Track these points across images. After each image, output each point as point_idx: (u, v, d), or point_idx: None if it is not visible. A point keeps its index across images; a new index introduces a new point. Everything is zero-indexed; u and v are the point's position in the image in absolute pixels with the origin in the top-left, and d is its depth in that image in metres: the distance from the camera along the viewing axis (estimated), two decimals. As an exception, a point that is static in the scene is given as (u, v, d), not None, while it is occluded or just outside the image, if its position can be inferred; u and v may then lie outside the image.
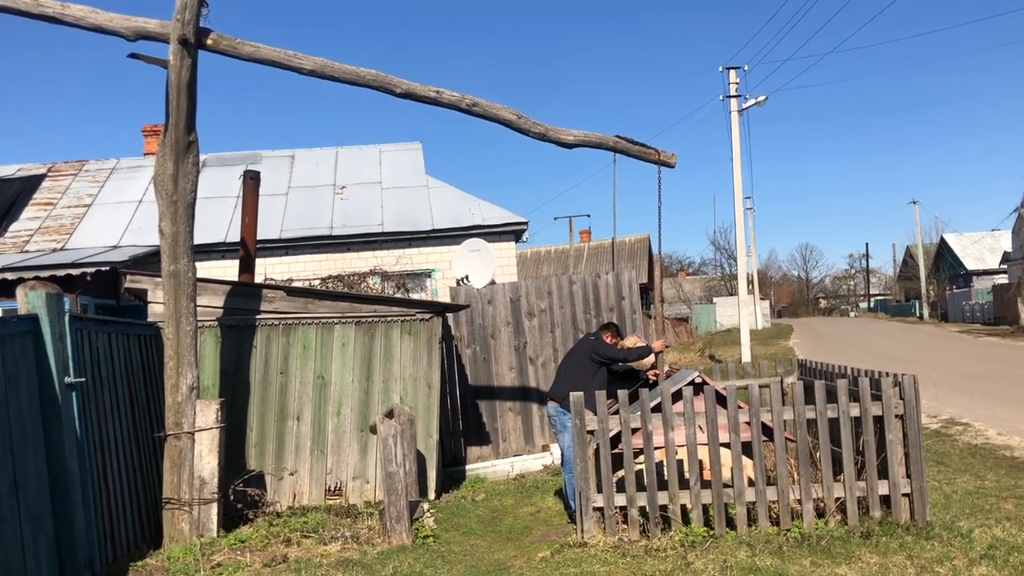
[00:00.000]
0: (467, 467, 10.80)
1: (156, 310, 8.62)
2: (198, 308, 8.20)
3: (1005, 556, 5.92)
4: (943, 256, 66.73)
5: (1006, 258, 51.58)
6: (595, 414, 6.85)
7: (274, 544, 7.27)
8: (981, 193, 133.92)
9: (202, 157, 20.97)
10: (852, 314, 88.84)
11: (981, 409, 13.46)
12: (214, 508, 7.58)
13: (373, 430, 7.72)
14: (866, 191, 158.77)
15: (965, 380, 17.72)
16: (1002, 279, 51.93)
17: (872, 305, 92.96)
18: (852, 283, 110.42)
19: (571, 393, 6.97)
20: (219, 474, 7.67)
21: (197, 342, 7.88)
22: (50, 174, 19.33)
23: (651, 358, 8.66)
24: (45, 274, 12.51)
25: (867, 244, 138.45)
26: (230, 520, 7.95)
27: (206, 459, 7.63)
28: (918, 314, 64.69)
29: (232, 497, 7.97)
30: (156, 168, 7.59)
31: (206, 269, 15.42)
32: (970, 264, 61.39)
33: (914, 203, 66.81)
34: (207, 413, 7.68)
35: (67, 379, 6.17)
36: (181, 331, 7.61)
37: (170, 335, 7.61)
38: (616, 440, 6.91)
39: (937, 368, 20.22)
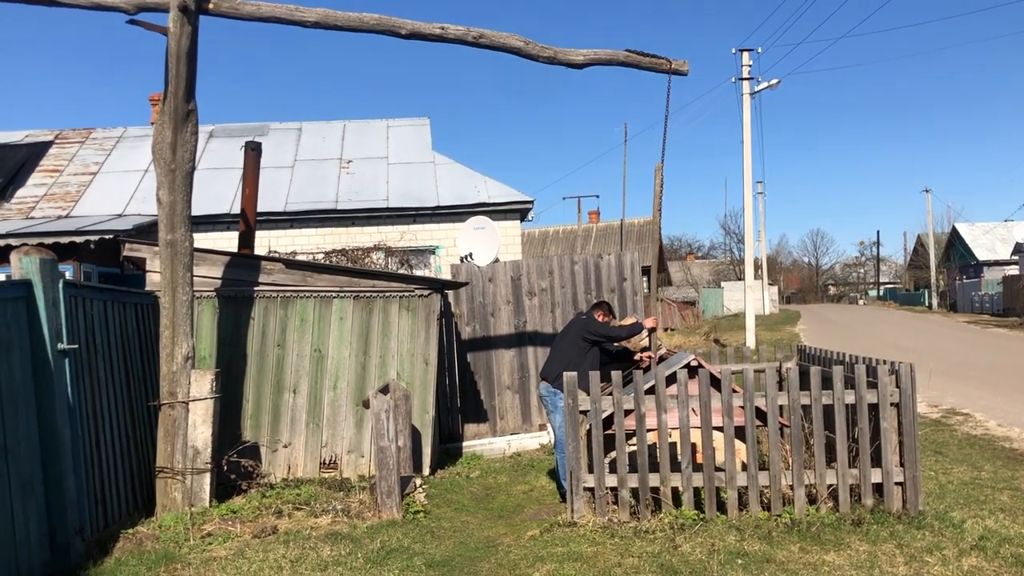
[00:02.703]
0: (463, 444, 10.81)
1: (154, 279, 8.61)
2: (196, 278, 8.19)
3: (996, 547, 5.88)
4: (954, 246, 66.32)
5: (1018, 249, 51.24)
6: (588, 394, 6.82)
7: (265, 515, 7.29)
8: (995, 183, 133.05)
9: (208, 128, 20.95)
10: (861, 302, 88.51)
11: (983, 400, 13.39)
12: (207, 478, 7.60)
13: (366, 405, 7.72)
14: (878, 178, 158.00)
15: (969, 370, 17.63)
16: (1013, 270, 51.60)
17: (881, 293, 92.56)
18: (862, 271, 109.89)
19: (564, 373, 6.94)
20: (213, 444, 7.68)
21: (194, 312, 7.87)
22: (57, 141, 19.32)
23: (644, 338, 8.62)
24: (49, 241, 12.53)
25: (878, 232, 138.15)
26: (223, 490, 7.97)
27: (200, 429, 7.64)
28: (927, 303, 64.39)
29: (226, 468, 7.98)
30: (154, 136, 7.56)
31: (210, 240, 15.42)
32: (981, 254, 60.99)
33: (926, 191, 66.36)
34: (202, 383, 7.68)
35: (60, 345, 6.16)
36: (177, 300, 7.60)
37: (166, 304, 7.60)
38: (608, 421, 6.88)
39: (942, 357, 20.12)
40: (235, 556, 6.22)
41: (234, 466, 8.02)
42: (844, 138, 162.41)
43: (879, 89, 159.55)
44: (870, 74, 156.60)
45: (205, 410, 7.67)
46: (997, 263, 58.14)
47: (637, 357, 8.58)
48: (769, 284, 62.58)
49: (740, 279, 62.88)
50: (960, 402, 13.17)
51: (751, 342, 24.38)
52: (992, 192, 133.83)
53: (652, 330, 8.28)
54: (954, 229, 67.43)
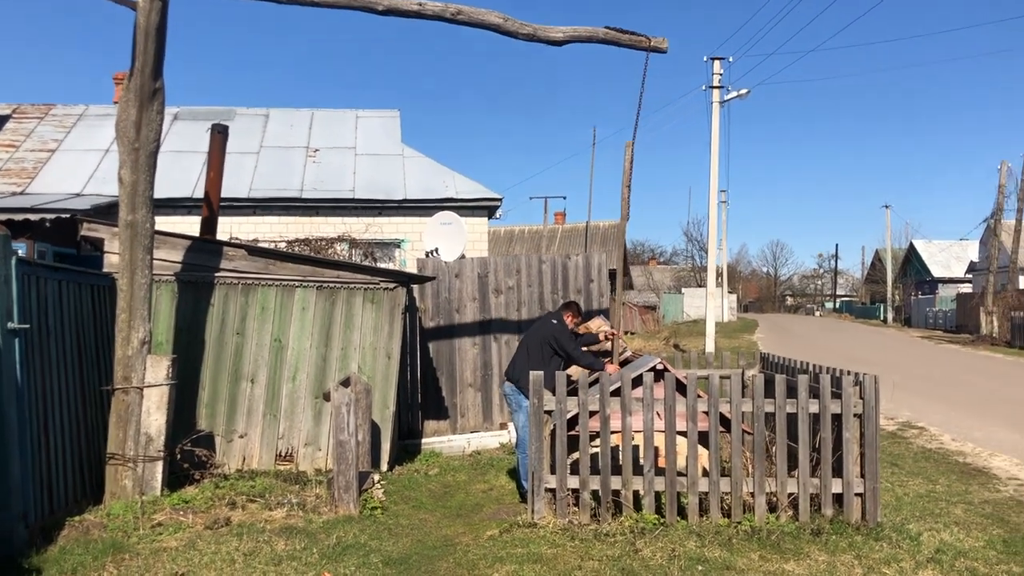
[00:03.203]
0: (423, 441, 10.68)
1: (112, 260, 8.37)
2: (156, 262, 7.98)
3: (951, 561, 5.92)
4: (911, 262, 67.48)
5: (972, 268, 52.29)
6: (553, 395, 6.75)
7: (218, 506, 7.12)
8: (953, 202, 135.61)
9: (173, 110, 20.58)
10: (817, 313, 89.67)
11: (937, 414, 13.57)
12: (159, 466, 7.41)
13: (327, 397, 7.57)
14: (839, 192, 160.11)
15: (923, 384, 17.88)
16: (966, 288, 52.67)
17: (838, 306, 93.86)
18: (819, 283, 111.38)
19: (531, 373, 6.86)
20: (166, 432, 7.49)
21: (152, 296, 7.67)
22: (15, 116, 18.83)
23: (605, 345, 8.57)
24: (2, 217, 12.17)
25: (837, 245, 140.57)
26: (175, 480, 7.78)
27: (154, 416, 7.44)
28: (882, 317, 65.41)
29: (179, 456, 7.79)
30: (119, 114, 7.34)
31: (171, 224, 15.09)
32: (936, 271, 62.14)
33: (886, 207, 67.33)
34: (158, 369, 7.48)
35: (10, 324, 5.95)
36: (135, 283, 7.39)
37: (124, 287, 7.39)
38: (572, 422, 6.82)
39: (897, 371, 20.39)
40: (186, 547, 6.05)
41: (188, 455, 7.83)
42: (808, 151, 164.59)
43: (845, 104, 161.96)
44: (837, 89, 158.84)
45: (160, 397, 7.47)
46: (951, 280, 59.32)
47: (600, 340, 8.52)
48: (728, 292, 63.18)
49: (701, 286, 63.45)
50: (915, 415, 13.33)
51: (711, 348, 24.53)
52: (949, 211, 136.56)
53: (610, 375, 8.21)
54: (911, 245, 68.61)
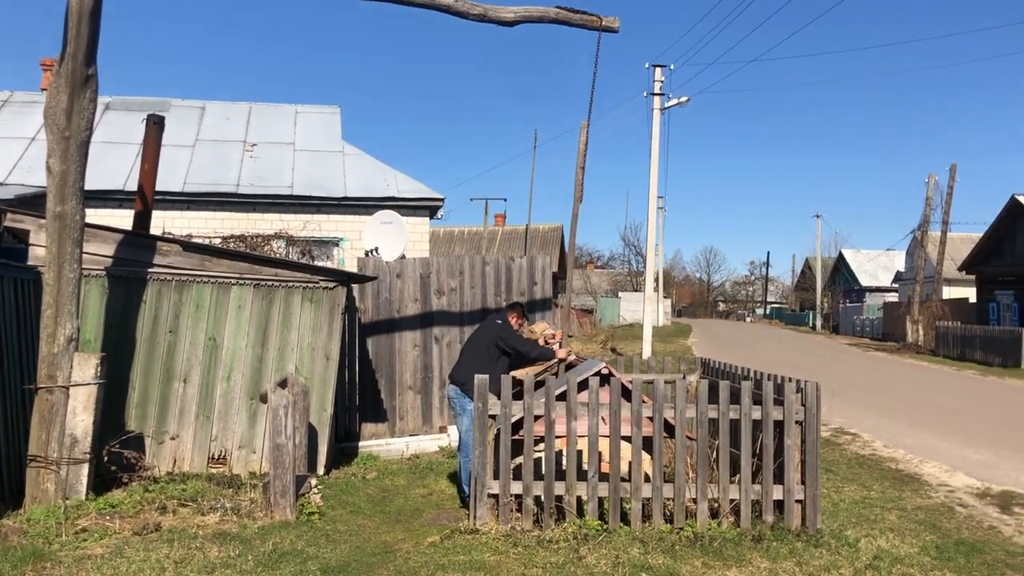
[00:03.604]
0: (360, 444, 10.48)
1: (38, 253, 8.01)
2: (85, 256, 7.66)
3: (889, 567, 5.99)
4: (839, 271, 69.16)
5: (898, 277, 53.79)
6: (499, 398, 6.65)
7: (148, 511, 6.85)
8: (881, 214, 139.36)
9: (106, 99, 19.94)
10: (748, 319, 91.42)
11: (868, 420, 13.85)
12: (85, 469, 7.10)
13: (263, 399, 7.36)
14: (772, 201, 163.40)
15: (854, 391, 18.26)
16: (892, 297, 54.18)
17: (768, 312, 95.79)
18: (751, 289, 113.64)
19: (476, 376, 6.75)
20: (94, 433, 7.19)
21: (80, 291, 7.34)
22: (-65, 100, 18.01)
23: (548, 332, 8.53)
24: (-81, 206, 11.59)
25: (768, 252, 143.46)
26: (103, 483, 7.47)
27: (80, 416, 7.14)
28: (811, 324, 66.93)
29: (106, 459, 7.49)
30: (48, 100, 7.02)
31: (101, 217, 14.57)
32: (864, 280, 63.80)
33: (817, 217, 69.03)
34: (85, 367, 7.18)
35: (-73, 319, 5.63)
36: (63, 278, 7.07)
37: (50, 281, 7.06)
38: (517, 427, 6.73)
39: (828, 377, 20.74)
40: (112, 555, 5.79)
41: (116, 457, 7.53)
42: (743, 160, 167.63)
43: (781, 115, 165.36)
44: (774, 100, 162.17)
45: (87, 396, 7.16)
46: (879, 289, 60.96)
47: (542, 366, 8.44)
48: (664, 297, 63.92)
49: (637, 290, 64.08)
50: (847, 422, 13.59)
51: (647, 352, 24.72)
52: (877, 222, 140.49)
53: (561, 362, 8.15)
54: (840, 255, 70.33)
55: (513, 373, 7.37)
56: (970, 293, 40.29)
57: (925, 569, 6.03)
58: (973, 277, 38.72)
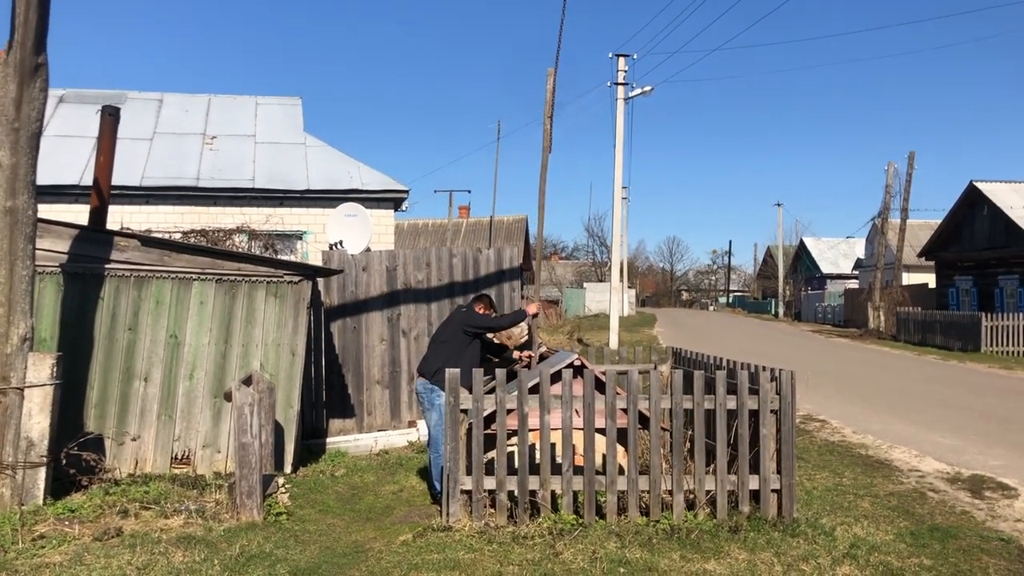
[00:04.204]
0: (328, 440, 10.30)
1: (-12, 250, 7.71)
2: (39, 252, 7.40)
3: (866, 556, 5.95)
4: (801, 258, 69.88)
5: (859, 264, 54.45)
6: (470, 392, 6.51)
7: (108, 515, 6.62)
8: (842, 202, 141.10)
9: (59, 92, 19.40)
10: (711, 308, 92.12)
11: (835, 407, 13.93)
12: (42, 473, 6.86)
13: (228, 397, 7.15)
14: (733, 190, 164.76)
15: (820, 378, 18.37)
16: (854, 284, 54.84)
17: (731, 300, 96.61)
18: (714, 278, 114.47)
19: (446, 369, 6.61)
20: (51, 435, 6.94)
21: (34, 289, 7.08)
22: None
23: (524, 335, 8.41)
24: None
25: (730, 242, 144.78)
26: (61, 487, 7.23)
27: (36, 418, 6.88)
28: (774, 312, 67.55)
29: (64, 461, 7.23)
30: (-4, 90, 6.73)
31: (55, 212, 14.14)
32: (825, 268, 64.52)
33: (778, 205, 69.74)
34: (41, 368, 6.92)
35: None
36: (16, 275, 6.80)
37: (2, 279, 6.78)
38: (489, 420, 6.60)
39: (792, 364, 20.84)
40: (72, 562, 5.57)
41: (74, 460, 7.28)
42: (705, 149, 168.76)
43: (741, 103, 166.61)
44: (735, 89, 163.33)
45: (43, 397, 6.91)
46: (840, 276, 61.67)
47: (516, 355, 8.35)
48: (628, 287, 64.11)
49: (602, 280, 64.25)
50: (816, 408, 13.64)
51: (614, 343, 24.73)
52: (837, 210, 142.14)
53: (535, 315, 8.07)
54: (802, 243, 71.04)
55: (498, 340, 7.28)
56: (930, 279, 40.89)
57: (902, 556, 6.01)
58: (932, 263, 39.30)
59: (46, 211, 13.08)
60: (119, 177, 15.20)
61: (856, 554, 5.98)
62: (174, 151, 17.00)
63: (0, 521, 6.33)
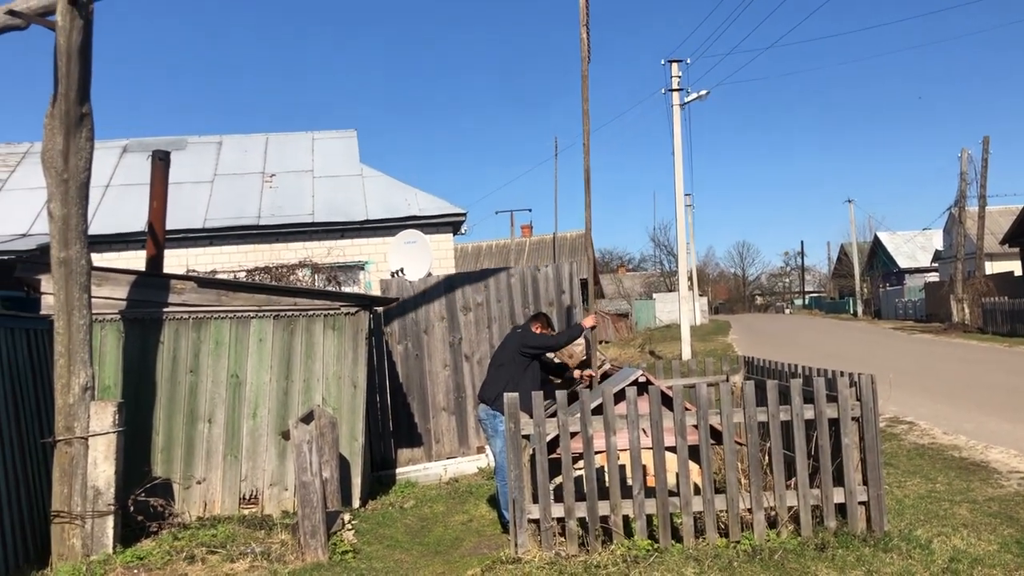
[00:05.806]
0: (397, 471, 10.16)
1: (49, 302, 7.81)
2: (99, 300, 7.45)
3: (968, 570, 5.51)
4: (876, 254, 67.90)
5: (937, 256, 52.61)
6: (531, 416, 6.27)
7: (176, 561, 6.56)
8: (915, 193, 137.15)
9: (123, 142, 19.94)
10: (787, 311, 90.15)
11: (923, 407, 13.27)
12: (109, 521, 6.83)
13: (286, 436, 7.05)
14: (801, 189, 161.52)
15: (904, 377, 17.60)
16: (933, 277, 52.99)
17: (807, 302, 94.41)
18: (787, 280, 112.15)
19: (505, 394, 6.38)
20: (117, 483, 6.91)
21: (92, 337, 7.09)
22: (-45, 157, 18.09)
23: (582, 354, 8.11)
24: (-61, 263, 11.51)
25: (802, 242, 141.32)
26: (131, 533, 7.20)
27: (101, 467, 6.87)
28: (852, 311, 65.67)
29: (132, 508, 7.22)
30: (44, 143, 6.80)
31: (124, 260, 14.47)
32: (903, 262, 62.53)
33: (850, 202, 67.70)
34: (103, 416, 6.91)
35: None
36: (73, 325, 6.83)
37: (60, 329, 6.82)
38: (553, 445, 6.35)
39: (874, 365, 20.14)
40: (138, 613, 5.50)
41: (142, 506, 7.26)
42: (769, 150, 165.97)
43: (803, 100, 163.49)
44: (794, 86, 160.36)
45: (107, 445, 6.90)
46: (918, 270, 59.71)
47: (577, 375, 8.07)
48: (699, 295, 63.11)
49: (671, 291, 63.34)
50: (902, 410, 13.02)
51: (687, 353, 24.20)
52: (912, 202, 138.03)
53: (593, 328, 7.78)
54: (876, 238, 69.05)
55: (558, 359, 7.05)
56: (1015, 267, 39.17)
57: (1009, 568, 5.54)
58: (1017, 250, 37.63)
59: (114, 259, 13.38)
60: (183, 220, 15.50)
61: (957, 568, 5.53)
62: (235, 191, 17.26)
63: (72, 572, 6.31)
